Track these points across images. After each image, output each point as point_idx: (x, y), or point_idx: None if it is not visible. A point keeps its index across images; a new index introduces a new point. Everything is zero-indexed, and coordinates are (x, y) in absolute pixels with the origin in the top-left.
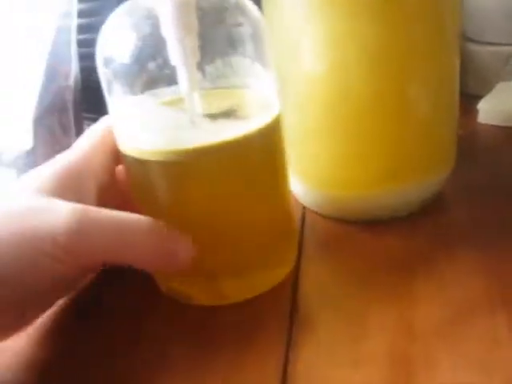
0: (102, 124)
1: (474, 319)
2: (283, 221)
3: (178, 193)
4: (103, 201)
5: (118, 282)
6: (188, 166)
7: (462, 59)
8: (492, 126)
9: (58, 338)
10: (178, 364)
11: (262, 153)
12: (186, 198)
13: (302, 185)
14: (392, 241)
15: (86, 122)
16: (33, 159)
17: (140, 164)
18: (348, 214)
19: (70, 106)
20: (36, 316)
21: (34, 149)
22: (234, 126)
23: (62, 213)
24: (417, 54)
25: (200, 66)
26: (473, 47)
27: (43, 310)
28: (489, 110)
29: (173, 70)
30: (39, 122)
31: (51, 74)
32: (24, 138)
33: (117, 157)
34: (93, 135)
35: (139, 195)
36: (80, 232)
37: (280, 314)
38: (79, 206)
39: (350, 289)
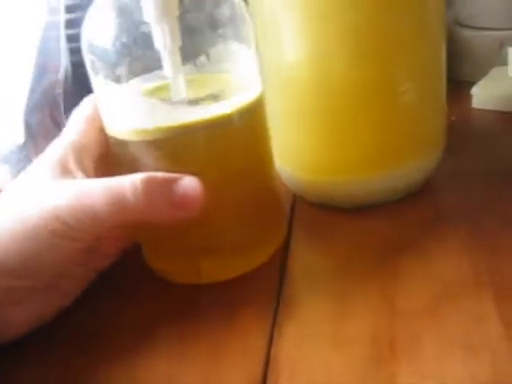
0: (89, 101)
1: (459, 299)
2: (268, 201)
3: (160, 170)
4: (101, 173)
5: None
6: (169, 145)
7: (456, 45)
8: (486, 111)
9: None
10: (162, 339)
11: (243, 132)
12: None
13: (288, 171)
14: (380, 224)
15: None
16: (25, 153)
17: (122, 144)
18: (335, 200)
19: (61, 99)
20: (68, 299)
21: (25, 143)
22: (216, 106)
23: (61, 192)
24: (401, 37)
25: (183, 50)
26: (467, 33)
27: (81, 284)
28: (482, 95)
29: (157, 54)
30: (30, 116)
31: (41, 69)
32: (16, 133)
33: None
34: (82, 114)
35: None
36: (79, 206)
37: (266, 293)
38: (77, 183)
39: (336, 270)
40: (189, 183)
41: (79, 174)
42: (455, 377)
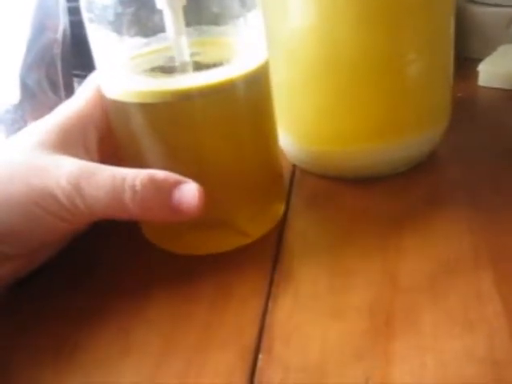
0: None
1: (459, 275)
2: (269, 172)
3: (160, 137)
4: (104, 150)
5: (103, 230)
6: (171, 110)
7: (464, 21)
8: (492, 88)
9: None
10: (158, 307)
11: (245, 100)
12: (168, 143)
13: (290, 142)
14: (381, 197)
15: (75, 78)
16: (20, 114)
17: (120, 107)
18: (338, 172)
19: (58, 59)
20: (45, 258)
21: (21, 103)
22: (219, 71)
23: (61, 173)
24: (409, 7)
25: (186, 12)
26: (475, 9)
27: (51, 254)
28: (489, 73)
29: (158, 15)
30: (26, 75)
31: (38, 28)
32: (11, 93)
33: None
34: (91, 85)
35: (122, 140)
36: (79, 192)
37: (263, 265)
38: (78, 165)
39: (335, 242)
40: (189, 190)
41: (81, 151)
42: (453, 352)
